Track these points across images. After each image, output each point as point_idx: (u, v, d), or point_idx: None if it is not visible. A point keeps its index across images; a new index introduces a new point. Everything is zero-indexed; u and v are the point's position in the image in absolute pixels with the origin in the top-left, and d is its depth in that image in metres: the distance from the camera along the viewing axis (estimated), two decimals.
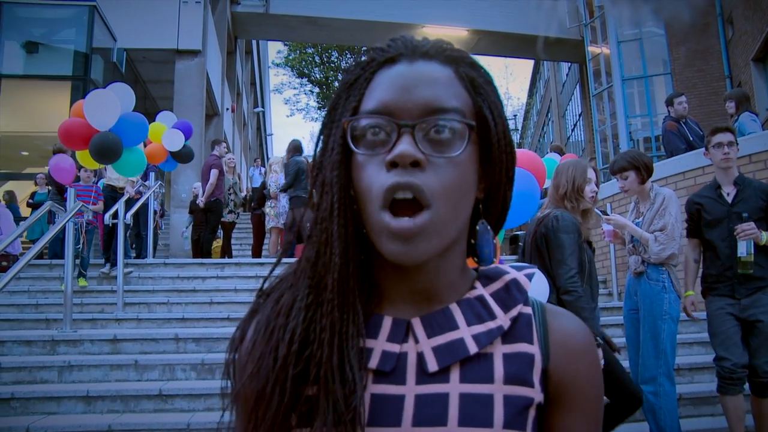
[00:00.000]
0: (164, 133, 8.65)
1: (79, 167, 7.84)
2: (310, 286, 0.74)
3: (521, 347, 0.77)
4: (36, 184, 11.17)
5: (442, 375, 0.73)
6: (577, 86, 23.04)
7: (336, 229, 0.73)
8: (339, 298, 0.72)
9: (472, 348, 0.74)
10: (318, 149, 0.78)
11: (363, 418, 0.69)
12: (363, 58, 0.78)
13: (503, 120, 0.78)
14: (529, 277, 0.82)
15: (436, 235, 0.70)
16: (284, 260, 0.84)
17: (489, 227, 0.82)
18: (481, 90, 0.77)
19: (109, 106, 6.54)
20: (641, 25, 14.75)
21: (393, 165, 0.69)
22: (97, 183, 8.83)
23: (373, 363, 0.73)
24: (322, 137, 0.77)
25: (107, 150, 6.56)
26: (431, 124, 0.71)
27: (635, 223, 4.22)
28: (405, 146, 0.69)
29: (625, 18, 14.91)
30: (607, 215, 4.39)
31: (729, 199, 3.94)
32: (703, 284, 4.07)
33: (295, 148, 9.57)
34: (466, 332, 0.75)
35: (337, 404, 0.68)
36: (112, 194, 8.40)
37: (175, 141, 8.68)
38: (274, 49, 43.92)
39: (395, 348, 0.75)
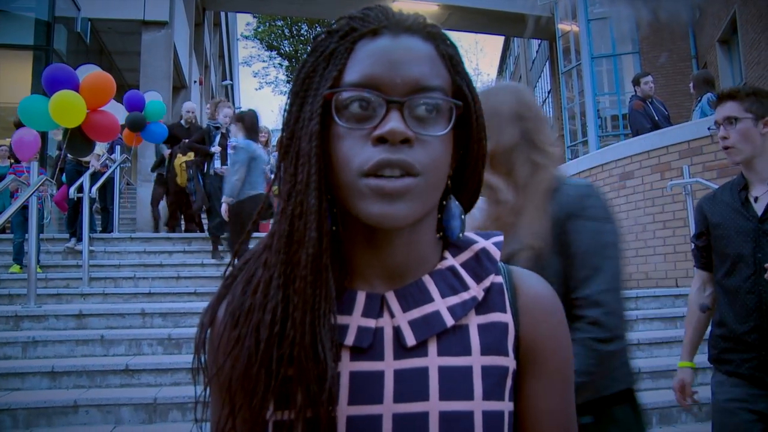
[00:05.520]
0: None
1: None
2: (284, 262, 0.71)
3: (495, 317, 0.77)
4: None
5: (419, 349, 0.73)
6: (547, 63, 23.15)
7: (312, 202, 0.70)
8: (312, 274, 0.69)
9: (449, 320, 0.74)
10: (290, 118, 0.74)
11: (337, 397, 0.69)
12: (335, 26, 0.75)
13: (478, 99, 0.78)
14: (498, 245, 0.82)
15: (419, 200, 0.69)
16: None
17: (458, 203, 0.81)
18: (458, 68, 0.76)
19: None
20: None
21: (381, 141, 0.68)
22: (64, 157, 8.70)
23: (350, 340, 0.72)
24: (294, 107, 0.74)
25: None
26: (419, 102, 0.70)
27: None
28: (396, 123, 0.68)
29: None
30: None
31: (758, 210, 2.21)
32: (712, 350, 2.37)
33: None
34: (441, 304, 0.75)
35: (310, 385, 0.67)
36: (77, 168, 8.23)
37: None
38: (243, 21, 43.25)
39: (371, 323, 0.74)
